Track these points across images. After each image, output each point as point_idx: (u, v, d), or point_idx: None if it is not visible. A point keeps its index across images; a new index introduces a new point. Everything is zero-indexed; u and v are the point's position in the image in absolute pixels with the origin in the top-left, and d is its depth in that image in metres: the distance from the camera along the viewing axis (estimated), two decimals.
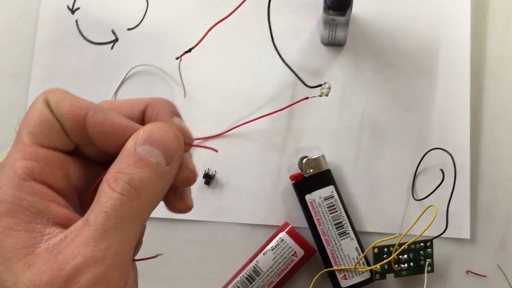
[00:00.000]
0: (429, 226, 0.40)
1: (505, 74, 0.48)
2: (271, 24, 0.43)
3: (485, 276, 0.45)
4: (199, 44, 0.45)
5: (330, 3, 0.42)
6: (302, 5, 0.49)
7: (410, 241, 0.42)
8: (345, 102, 0.48)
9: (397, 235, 0.42)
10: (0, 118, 0.50)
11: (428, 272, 0.44)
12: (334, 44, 0.49)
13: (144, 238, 0.47)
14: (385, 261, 0.42)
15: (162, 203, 0.47)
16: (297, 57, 0.49)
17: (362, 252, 0.44)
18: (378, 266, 0.43)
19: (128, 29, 0.51)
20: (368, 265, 0.44)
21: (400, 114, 0.47)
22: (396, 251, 0.42)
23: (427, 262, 0.44)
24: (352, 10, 0.47)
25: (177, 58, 0.45)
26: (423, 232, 0.41)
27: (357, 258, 0.43)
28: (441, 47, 0.48)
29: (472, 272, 0.45)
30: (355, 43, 0.49)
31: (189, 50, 0.45)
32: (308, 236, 0.45)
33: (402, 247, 0.42)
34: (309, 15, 0.49)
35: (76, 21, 0.51)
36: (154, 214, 0.48)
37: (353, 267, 0.43)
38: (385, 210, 0.46)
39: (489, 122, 0.47)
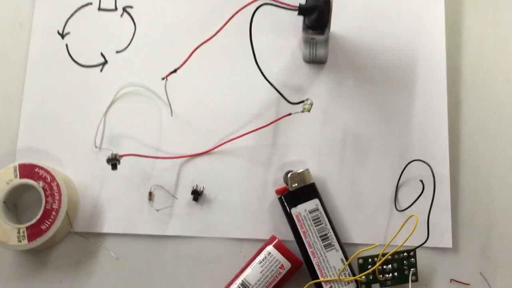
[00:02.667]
0: (410, 236, 0.41)
1: (481, 87, 0.50)
2: (255, 44, 0.45)
3: (468, 284, 0.46)
4: (185, 65, 0.47)
5: (309, 23, 0.44)
6: (283, 25, 0.51)
7: (392, 250, 0.43)
8: (328, 117, 0.50)
9: (377, 245, 0.44)
10: None
11: (412, 281, 0.45)
12: (316, 61, 0.50)
13: (134, 255, 0.49)
14: (368, 270, 0.43)
15: (154, 219, 0.49)
16: (281, 75, 0.51)
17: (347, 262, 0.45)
18: (363, 277, 0.44)
19: (117, 52, 0.53)
20: (354, 276, 0.45)
21: (381, 128, 0.49)
22: (380, 260, 0.43)
23: (411, 272, 0.45)
24: (333, 28, 0.49)
25: (163, 79, 0.47)
26: (405, 242, 0.42)
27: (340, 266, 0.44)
28: (419, 62, 0.50)
29: (455, 281, 0.46)
30: (336, 60, 0.51)
31: (175, 71, 0.46)
32: (294, 249, 0.46)
33: (385, 256, 0.43)
34: (290, 34, 0.51)
35: (66, 45, 0.53)
36: (143, 231, 0.49)
37: (337, 278, 0.44)
38: (369, 221, 0.47)
39: (467, 133, 0.49)
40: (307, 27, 0.44)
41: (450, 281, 0.46)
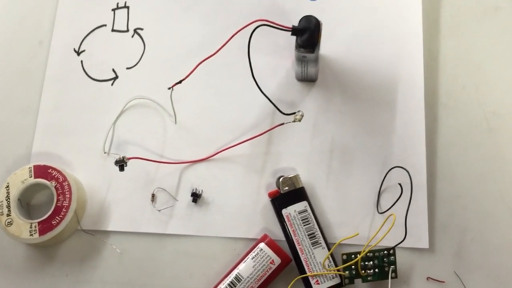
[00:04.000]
0: (389, 231, 0.46)
1: (455, 105, 0.55)
2: (253, 63, 0.50)
3: (443, 282, 0.50)
4: (189, 78, 0.52)
5: (301, 42, 0.49)
6: (279, 47, 0.57)
7: (373, 245, 0.47)
8: (317, 130, 0.54)
9: (358, 233, 0.48)
10: (11, 145, 0.56)
11: (392, 278, 0.48)
12: (307, 80, 0.56)
13: (137, 251, 0.53)
14: (350, 262, 0.47)
15: (156, 218, 0.53)
16: (275, 91, 0.56)
17: (333, 260, 0.49)
18: (347, 272, 0.48)
19: (127, 68, 0.58)
20: (338, 270, 0.48)
21: (365, 140, 0.54)
22: (362, 253, 0.47)
23: (390, 269, 0.49)
24: (323, 51, 0.55)
25: (169, 88, 0.52)
26: (383, 238, 0.46)
27: (326, 261, 0.48)
28: (399, 82, 0.55)
29: (432, 279, 0.50)
30: (325, 79, 0.56)
31: (180, 82, 0.52)
32: (285, 247, 0.50)
33: (366, 251, 0.47)
34: (284, 55, 0.57)
35: (81, 61, 0.58)
36: (144, 229, 0.53)
37: (322, 272, 0.48)
38: (353, 223, 0.51)
39: (443, 146, 0.54)
40: (299, 46, 0.50)
41: (427, 279, 0.50)
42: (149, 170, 0.54)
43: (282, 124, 0.52)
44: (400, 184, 0.50)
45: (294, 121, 0.51)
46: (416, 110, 0.54)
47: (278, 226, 0.51)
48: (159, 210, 0.53)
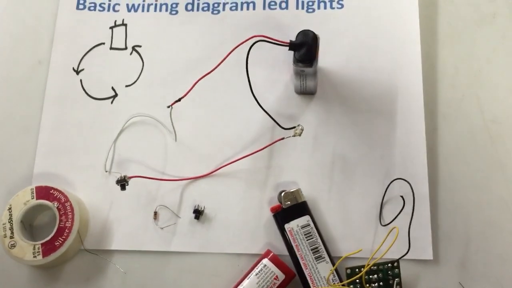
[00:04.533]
0: (392, 245, 0.46)
1: (455, 114, 0.55)
2: (251, 78, 0.50)
3: None
4: (188, 95, 0.52)
5: (299, 56, 0.49)
6: (276, 60, 0.57)
7: (377, 258, 0.47)
8: (317, 142, 0.54)
9: (361, 249, 0.48)
10: (12, 166, 0.56)
11: None
12: (306, 93, 0.56)
13: (140, 270, 0.53)
14: (355, 277, 0.47)
15: (159, 236, 0.53)
16: (275, 105, 0.56)
17: (337, 274, 0.49)
18: (351, 286, 0.48)
19: (126, 86, 0.58)
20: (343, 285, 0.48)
21: (366, 151, 0.54)
22: (366, 266, 0.47)
23: (395, 282, 0.48)
24: (321, 63, 0.55)
25: (168, 107, 0.52)
26: (387, 251, 0.46)
27: (330, 276, 0.48)
28: (398, 93, 0.55)
29: None
30: (324, 92, 0.56)
31: (179, 99, 0.52)
32: (288, 262, 0.50)
33: (370, 265, 0.47)
34: (283, 69, 0.57)
35: (81, 80, 0.59)
36: (147, 247, 0.53)
37: (326, 280, 0.47)
38: (356, 236, 0.51)
39: (444, 156, 0.53)
40: (297, 61, 0.50)
41: None
42: (151, 188, 0.54)
43: (283, 138, 0.52)
44: (402, 196, 0.50)
45: (294, 136, 0.51)
46: (416, 119, 0.54)
47: (281, 241, 0.51)
48: (162, 228, 0.53)
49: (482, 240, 0.51)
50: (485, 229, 0.51)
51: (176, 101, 0.52)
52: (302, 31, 0.49)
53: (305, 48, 0.49)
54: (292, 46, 0.49)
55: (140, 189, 0.54)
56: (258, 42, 0.49)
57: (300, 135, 0.51)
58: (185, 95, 0.52)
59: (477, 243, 0.51)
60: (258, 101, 0.51)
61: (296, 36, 0.49)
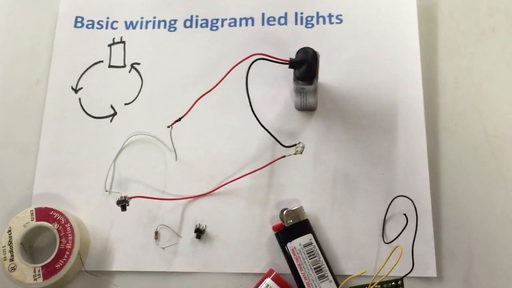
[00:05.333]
0: (396, 264, 0.45)
1: (457, 128, 0.54)
2: (251, 94, 0.49)
3: None
4: (188, 114, 0.52)
5: (299, 75, 0.49)
6: (276, 77, 0.57)
7: (381, 278, 0.47)
8: (318, 159, 0.54)
9: (365, 271, 0.47)
10: (11, 187, 0.56)
11: None
12: (306, 109, 0.55)
13: None
14: None
15: (160, 256, 0.52)
16: (275, 121, 0.56)
17: None
18: None
19: (125, 104, 0.58)
20: None
21: (367, 167, 0.53)
22: (369, 287, 0.47)
23: None
24: (321, 79, 0.55)
25: (168, 127, 0.52)
26: (391, 270, 0.46)
27: None
28: (399, 108, 0.55)
29: None
30: (325, 108, 0.56)
31: (179, 119, 0.51)
32: (291, 281, 0.49)
33: (374, 283, 0.46)
34: (283, 85, 0.57)
35: (79, 99, 0.58)
36: (149, 268, 0.52)
37: None
38: (360, 254, 0.51)
39: (446, 171, 0.53)
40: (297, 79, 0.49)
41: None
42: (152, 207, 0.54)
43: (284, 156, 0.51)
44: (405, 214, 0.49)
45: (295, 154, 0.50)
46: (417, 134, 0.54)
47: (283, 259, 0.51)
48: (163, 248, 0.52)
49: (485, 256, 0.51)
50: (488, 244, 0.51)
51: (176, 121, 0.52)
52: (302, 48, 0.49)
53: (305, 66, 0.49)
54: (292, 64, 0.49)
55: (140, 208, 0.53)
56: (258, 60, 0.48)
57: (301, 153, 0.50)
58: (185, 114, 0.51)
59: (480, 259, 0.50)
60: (258, 118, 0.50)
61: (296, 54, 0.49)
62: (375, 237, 0.51)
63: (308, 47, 0.49)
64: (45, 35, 0.61)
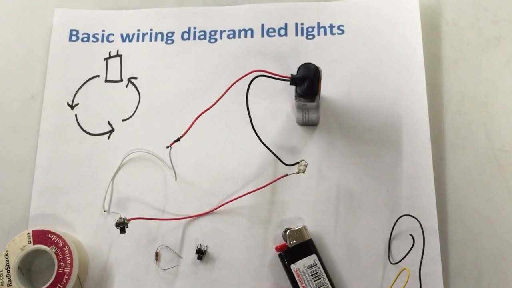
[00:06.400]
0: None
1: (463, 143, 0.53)
2: (252, 109, 0.48)
3: None
4: (187, 131, 0.50)
5: (301, 92, 0.48)
6: (277, 91, 0.55)
7: None
8: (321, 176, 0.53)
9: None
10: (7, 207, 0.54)
11: None
12: (308, 124, 0.54)
13: None
14: None
15: (161, 278, 0.51)
16: (276, 137, 0.54)
17: None
18: None
19: (123, 120, 0.56)
20: None
21: (371, 184, 0.52)
22: None
23: None
24: (323, 93, 0.53)
25: (167, 147, 0.51)
26: None
27: None
28: (403, 122, 0.53)
29: None
30: (327, 122, 0.54)
31: (178, 139, 0.50)
32: None
33: None
34: (284, 99, 0.55)
35: (76, 115, 0.57)
36: None
37: None
38: (365, 275, 0.50)
39: (453, 187, 0.52)
40: (299, 96, 0.48)
41: None
42: (151, 227, 0.52)
43: (286, 175, 0.50)
44: (412, 235, 0.48)
45: (298, 172, 0.49)
46: (422, 149, 0.53)
47: (287, 280, 0.49)
48: (164, 270, 0.51)
49: (493, 274, 0.49)
50: (495, 262, 0.50)
51: (175, 141, 0.50)
52: (303, 64, 0.48)
53: (307, 83, 0.47)
54: (293, 81, 0.48)
55: (140, 228, 0.52)
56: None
57: (304, 171, 0.49)
58: (184, 133, 0.50)
59: (488, 277, 0.49)
60: (259, 133, 0.49)
61: (298, 70, 0.48)
62: (381, 256, 0.50)
63: (310, 63, 0.48)
64: (39, 49, 0.59)
